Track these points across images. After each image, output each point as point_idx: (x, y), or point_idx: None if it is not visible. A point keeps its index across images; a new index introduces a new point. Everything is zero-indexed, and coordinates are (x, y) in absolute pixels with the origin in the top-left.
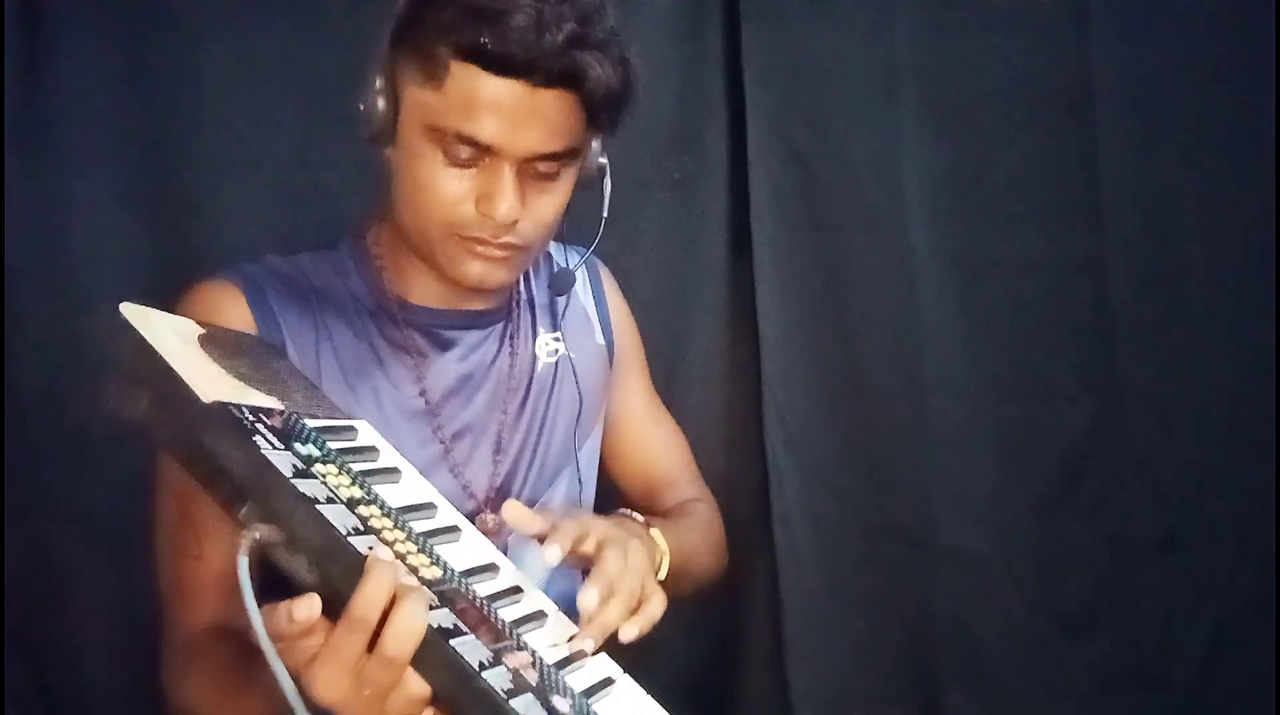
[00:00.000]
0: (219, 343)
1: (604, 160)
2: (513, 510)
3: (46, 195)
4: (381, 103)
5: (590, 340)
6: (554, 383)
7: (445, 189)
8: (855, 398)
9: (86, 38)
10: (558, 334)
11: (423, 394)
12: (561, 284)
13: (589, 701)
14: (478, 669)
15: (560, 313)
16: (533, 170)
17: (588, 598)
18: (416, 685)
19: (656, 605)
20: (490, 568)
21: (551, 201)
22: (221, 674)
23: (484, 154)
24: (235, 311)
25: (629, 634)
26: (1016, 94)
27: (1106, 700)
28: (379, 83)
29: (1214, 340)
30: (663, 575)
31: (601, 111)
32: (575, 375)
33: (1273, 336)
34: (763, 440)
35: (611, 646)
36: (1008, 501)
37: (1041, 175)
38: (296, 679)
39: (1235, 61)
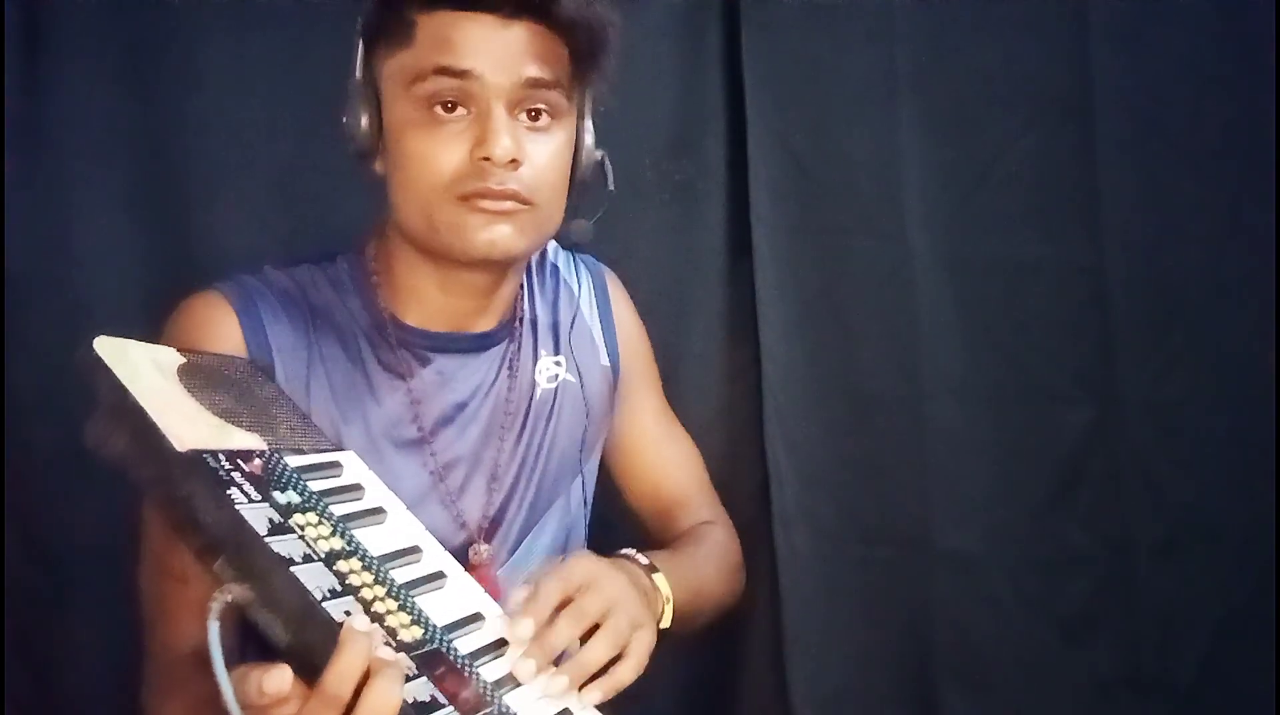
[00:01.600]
0: (200, 373)
1: (601, 153)
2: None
3: (47, 199)
4: (364, 109)
5: (595, 361)
6: (553, 410)
7: (437, 147)
8: (855, 401)
9: (86, 43)
10: (559, 358)
11: (416, 421)
12: (579, 235)
13: None
14: None
15: (566, 332)
16: (522, 108)
17: (520, 629)
18: None
19: (626, 671)
20: (475, 619)
21: (547, 151)
22: (205, 698)
23: (470, 95)
24: (225, 329)
25: (590, 698)
26: (1016, 97)
27: (1105, 703)
28: (357, 87)
29: (1213, 343)
30: (665, 624)
31: (578, 44)
32: (585, 399)
33: (1272, 339)
34: (762, 443)
35: None
36: (1007, 504)
37: (1040, 178)
38: None
39: (1234, 65)
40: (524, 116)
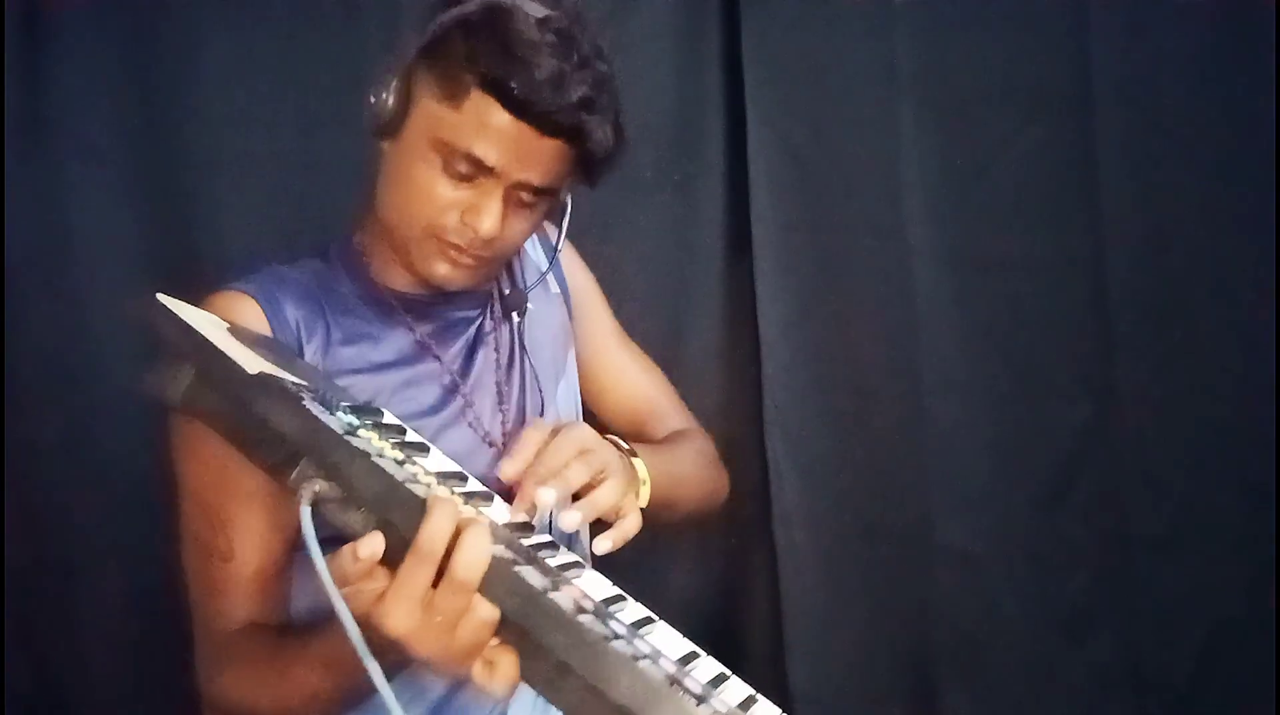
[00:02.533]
0: (245, 335)
1: (568, 199)
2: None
3: (47, 194)
4: (393, 101)
5: (546, 292)
6: (525, 336)
7: (437, 194)
8: (854, 398)
9: (86, 38)
10: (512, 271)
11: (436, 357)
12: (514, 304)
13: (640, 632)
14: (543, 590)
15: (519, 271)
16: (516, 197)
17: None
18: (486, 610)
19: (631, 523)
20: (526, 526)
21: (523, 226)
22: (263, 659)
23: (481, 174)
24: (250, 318)
25: (602, 547)
26: (1015, 94)
27: (1104, 699)
28: (395, 83)
29: (1212, 340)
30: (643, 503)
31: (591, 167)
32: (541, 326)
33: (1272, 336)
34: (762, 440)
35: None
36: (1006, 501)
37: (1040, 175)
38: (364, 627)
39: (1234, 61)
40: (516, 197)
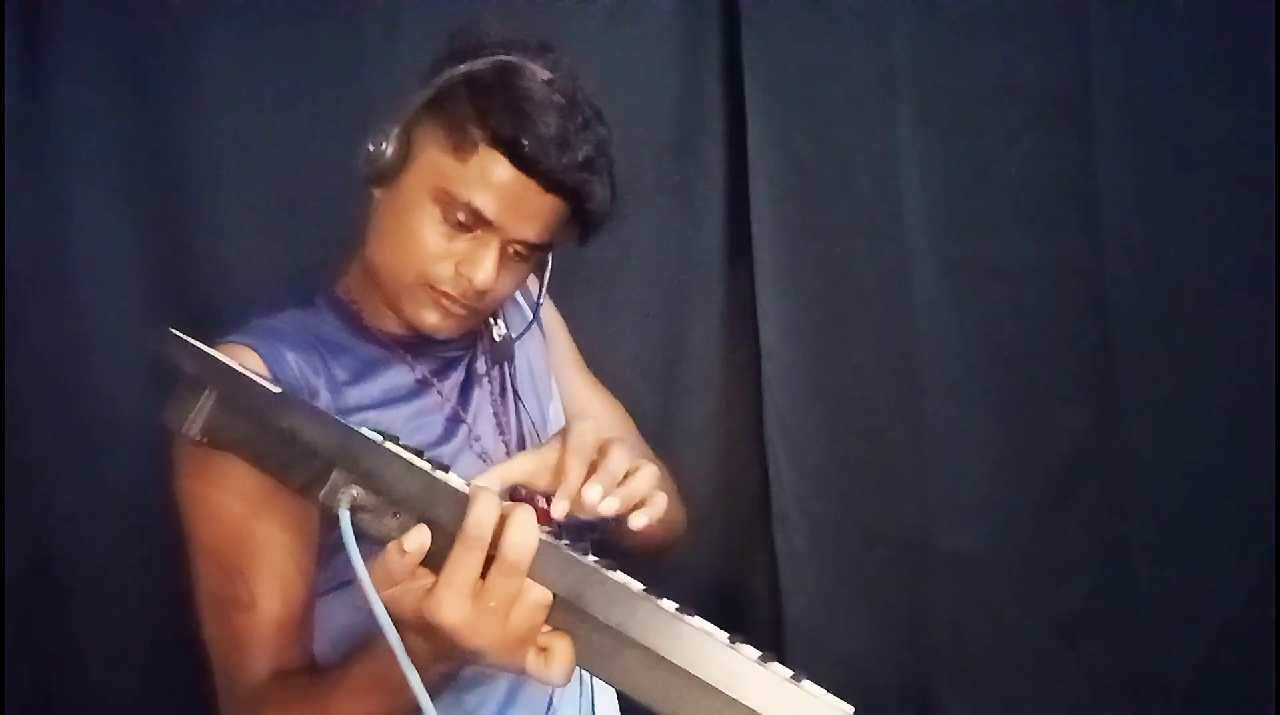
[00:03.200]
0: (256, 371)
1: (549, 254)
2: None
3: (47, 199)
4: (394, 150)
5: (522, 318)
6: (512, 363)
7: (433, 244)
8: (854, 401)
9: (87, 42)
10: (499, 319)
11: (438, 392)
12: (501, 353)
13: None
14: (594, 566)
15: (504, 315)
16: (510, 251)
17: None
18: (538, 592)
19: (661, 499)
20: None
21: (514, 279)
22: (299, 700)
23: (480, 226)
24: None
25: (639, 521)
26: (1014, 98)
27: (1104, 705)
28: (397, 132)
29: (1212, 344)
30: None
31: (584, 224)
32: (526, 352)
33: (1271, 340)
34: (762, 443)
35: None
36: (1005, 505)
37: (1039, 180)
38: (401, 633)
39: (1234, 66)
40: (511, 251)
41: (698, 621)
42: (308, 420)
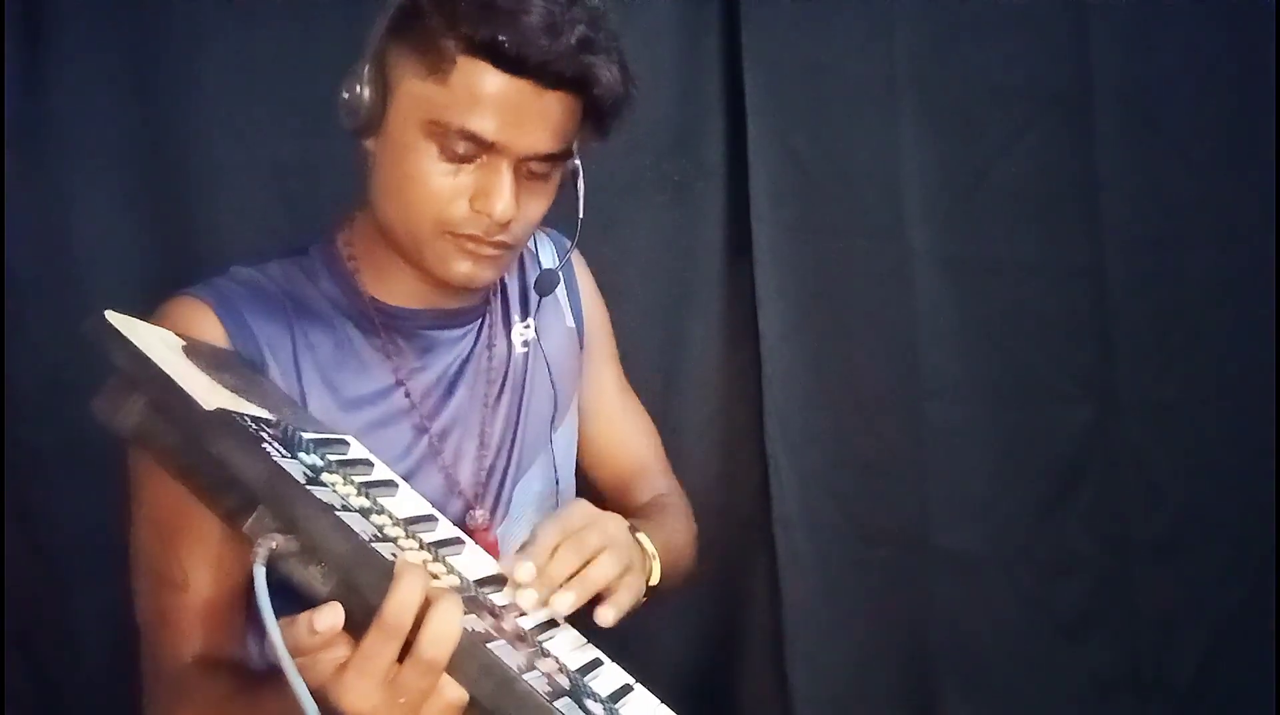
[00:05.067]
0: (202, 355)
1: (578, 162)
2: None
3: (46, 197)
4: (370, 92)
5: (560, 323)
6: (527, 370)
7: (439, 185)
8: (854, 400)
9: (86, 40)
10: (529, 322)
11: (406, 394)
12: (546, 285)
13: (616, 706)
14: (517, 672)
15: (534, 299)
16: (526, 170)
17: (522, 572)
18: (453, 691)
19: (626, 596)
20: (498, 579)
21: (540, 203)
22: (216, 706)
23: (483, 151)
24: (208, 328)
25: (605, 617)
26: (1015, 97)
27: (1104, 703)
28: (368, 71)
29: (1212, 343)
30: (655, 581)
31: (601, 115)
32: (546, 361)
33: (1272, 339)
34: (762, 443)
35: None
36: (1006, 504)
37: (1040, 178)
38: (316, 696)
39: (1234, 65)
40: (526, 170)
41: (635, 705)
42: (237, 449)
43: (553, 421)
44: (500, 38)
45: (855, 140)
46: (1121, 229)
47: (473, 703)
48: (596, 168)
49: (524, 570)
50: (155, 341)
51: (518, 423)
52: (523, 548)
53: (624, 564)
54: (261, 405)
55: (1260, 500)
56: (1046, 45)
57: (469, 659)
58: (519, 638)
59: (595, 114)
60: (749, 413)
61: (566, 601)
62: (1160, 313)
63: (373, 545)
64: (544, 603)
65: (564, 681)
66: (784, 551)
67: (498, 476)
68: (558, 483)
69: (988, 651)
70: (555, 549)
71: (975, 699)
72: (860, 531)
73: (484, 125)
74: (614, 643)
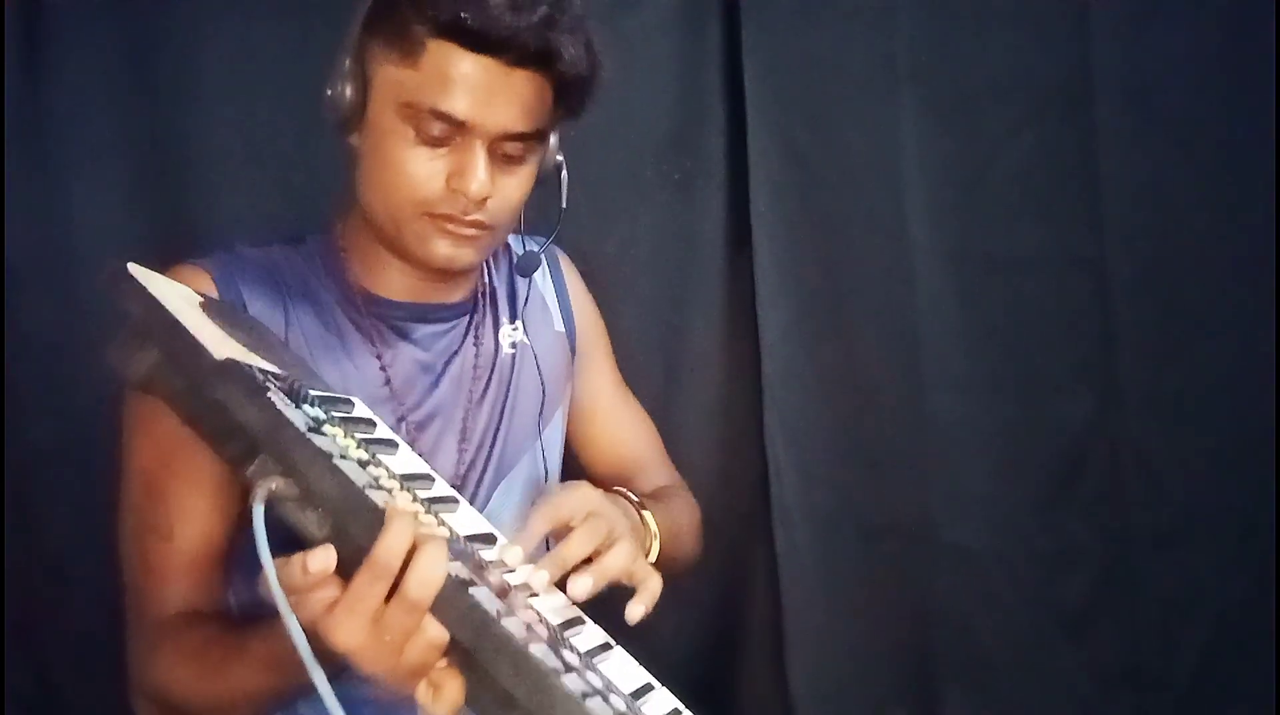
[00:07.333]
0: (218, 311)
1: (560, 157)
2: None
3: (47, 193)
4: (350, 87)
5: (549, 328)
6: (513, 371)
7: (416, 167)
8: (855, 395)
9: (86, 35)
10: (517, 325)
11: (387, 382)
12: (527, 267)
13: (593, 660)
14: (495, 616)
15: (521, 302)
16: (501, 151)
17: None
18: (435, 631)
19: (655, 584)
20: (489, 538)
21: (517, 184)
22: (200, 652)
23: (456, 131)
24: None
25: (635, 614)
26: (1016, 91)
27: (1105, 697)
28: (347, 65)
29: (1213, 336)
30: (653, 558)
31: (570, 94)
32: (537, 362)
33: (1272, 333)
34: (762, 438)
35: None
36: (1007, 498)
37: (1041, 172)
38: (306, 633)
39: (1235, 58)
40: (501, 151)
41: (613, 664)
42: (242, 397)
43: (540, 420)
44: (463, 16)
45: (856, 134)
46: (1123, 222)
47: (453, 643)
48: (597, 163)
49: (513, 553)
50: (172, 295)
51: (500, 422)
52: (517, 531)
53: (636, 554)
54: (271, 361)
55: (1261, 492)
56: (1047, 39)
57: (451, 602)
58: (503, 589)
59: (564, 93)
60: (749, 407)
61: (585, 586)
62: (1162, 305)
63: (366, 491)
64: (553, 581)
65: (542, 631)
66: (784, 546)
67: (477, 472)
68: (546, 482)
69: (988, 645)
70: (570, 529)
71: (976, 693)
72: (861, 526)
73: (454, 105)
74: (611, 634)
